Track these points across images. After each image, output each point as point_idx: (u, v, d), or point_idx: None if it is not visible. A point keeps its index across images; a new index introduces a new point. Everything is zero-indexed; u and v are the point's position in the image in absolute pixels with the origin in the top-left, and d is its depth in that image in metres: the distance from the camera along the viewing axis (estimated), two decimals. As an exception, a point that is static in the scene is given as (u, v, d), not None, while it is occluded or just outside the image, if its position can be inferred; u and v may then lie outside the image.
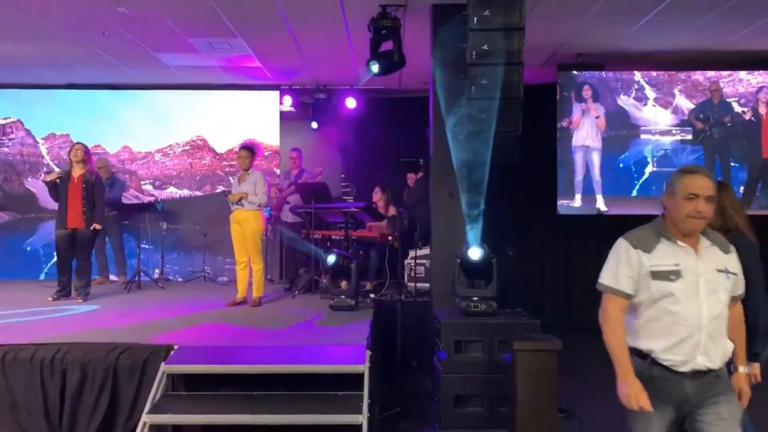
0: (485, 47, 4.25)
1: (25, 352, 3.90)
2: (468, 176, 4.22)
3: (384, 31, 5.30)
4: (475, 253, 4.17)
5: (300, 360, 3.75)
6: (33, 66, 7.41)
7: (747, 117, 6.92)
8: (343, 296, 5.48)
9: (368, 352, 3.72)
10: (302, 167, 7.67)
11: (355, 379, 3.59)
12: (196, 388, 3.74)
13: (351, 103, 8.08)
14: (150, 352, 3.86)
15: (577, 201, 6.89)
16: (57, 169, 7.46)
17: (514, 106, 4.28)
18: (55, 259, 6.46)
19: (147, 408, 3.39)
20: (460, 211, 5.20)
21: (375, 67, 5.37)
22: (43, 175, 7.95)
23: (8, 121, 8.47)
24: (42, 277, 8.03)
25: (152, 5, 5.42)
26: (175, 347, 3.86)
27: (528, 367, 3.56)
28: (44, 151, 8.48)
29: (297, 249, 7.28)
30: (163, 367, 3.62)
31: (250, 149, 5.96)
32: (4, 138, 8.48)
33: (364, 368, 3.56)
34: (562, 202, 6.92)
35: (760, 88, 6.91)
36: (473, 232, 4.15)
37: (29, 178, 8.38)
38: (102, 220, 6.11)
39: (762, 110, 6.91)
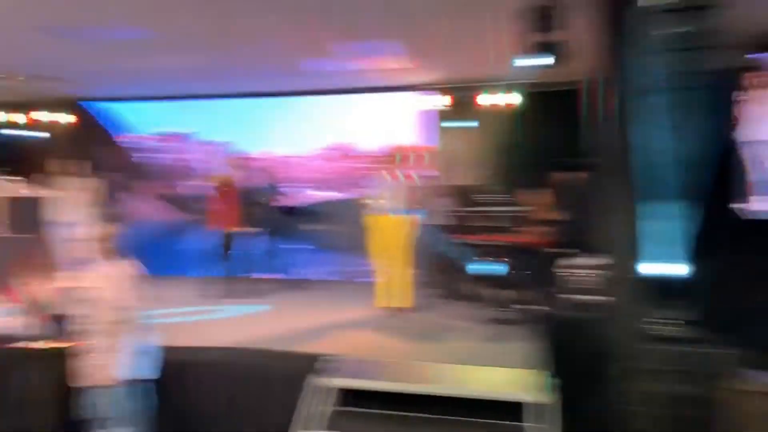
0: (685, 29, 3.65)
1: (193, 355, 3.97)
2: (670, 177, 3.64)
3: (549, 19, 4.83)
4: (675, 268, 3.58)
5: (474, 382, 3.42)
6: (194, 79, 7.77)
7: None
8: (502, 309, 5.10)
9: (553, 380, 3.31)
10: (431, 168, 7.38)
11: (536, 409, 3.20)
12: (349, 402, 3.54)
13: (505, 98, 7.62)
14: (307, 362, 3.73)
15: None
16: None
17: (723, 94, 3.64)
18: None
19: (301, 422, 3.23)
20: (644, 218, 4.61)
21: (540, 60, 4.90)
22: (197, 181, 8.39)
23: (177, 130, 9.06)
24: (213, 274, 8.42)
25: (301, 12, 5.35)
26: (332, 359, 3.69)
27: (754, 411, 2.94)
28: (206, 158, 8.94)
29: (445, 254, 7.01)
30: (320, 380, 3.46)
31: (394, 153, 5.79)
32: (173, 146, 9.09)
33: (551, 398, 3.16)
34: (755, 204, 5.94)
35: None
36: (676, 244, 3.56)
37: (193, 183, 8.84)
38: (248, 223, 6.29)
39: None
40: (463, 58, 6.82)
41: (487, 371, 3.65)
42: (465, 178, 6.84)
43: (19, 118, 9.24)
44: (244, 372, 3.84)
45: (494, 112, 7.78)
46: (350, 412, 3.45)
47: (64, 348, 3.51)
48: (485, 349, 4.31)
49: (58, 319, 3.82)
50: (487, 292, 5.43)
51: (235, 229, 6.16)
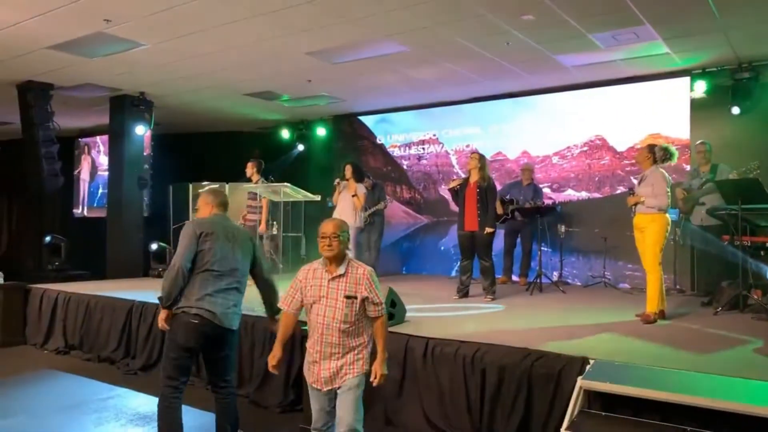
0: None
1: (449, 347, 4.24)
2: None
3: None
4: None
5: (747, 397, 3.08)
6: (443, 86, 8.25)
7: None
8: (788, 319, 4.43)
9: None
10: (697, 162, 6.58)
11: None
12: (612, 409, 3.44)
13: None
14: (564, 363, 3.73)
15: None
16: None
17: None
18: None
19: (565, 424, 3.25)
20: None
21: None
22: (445, 183, 8.81)
23: (426, 136, 9.71)
24: (453, 273, 8.88)
25: (556, 6, 5.36)
26: (591, 361, 3.64)
27: None
28: (454, 161, 9.40)
29: (714, 257, 6.28)
30: (580, 382, 3.43)
31: (648, 148, 5.36)
32: (423, 152, 9.75)
33: None
34: None
35: None
36: None
37: (442, 186, 9.39)
38: (493, 224, 6.29)
39: None
40: (735, 36, 6.09)
41: (755, 385, 3.24)
42: (738, 171, 6.06)
43: (286, 133, 10.87)
44: (493, 367, 3.98)
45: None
46: (607, 417, 3.37)
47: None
48: (761, 363, 3.81)
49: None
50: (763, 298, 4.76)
51: (489, 230, 6.29)
